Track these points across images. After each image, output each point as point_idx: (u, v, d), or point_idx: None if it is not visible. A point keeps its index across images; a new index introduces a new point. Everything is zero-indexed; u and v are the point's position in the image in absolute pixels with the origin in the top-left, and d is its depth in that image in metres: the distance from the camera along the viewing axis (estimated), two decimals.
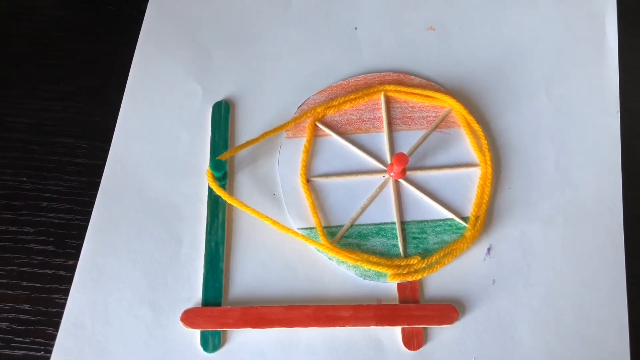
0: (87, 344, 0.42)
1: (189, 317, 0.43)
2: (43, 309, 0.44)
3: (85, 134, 0.51)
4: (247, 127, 0.50)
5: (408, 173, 0.47)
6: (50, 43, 0.55)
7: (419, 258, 0.44)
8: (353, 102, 0.50)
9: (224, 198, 0.45)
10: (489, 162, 0.47)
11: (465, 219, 0.46)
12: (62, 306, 0.44)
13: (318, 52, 0.53)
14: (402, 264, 0.44)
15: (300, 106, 0.50)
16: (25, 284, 0.45)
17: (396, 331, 0.43)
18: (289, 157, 0.48)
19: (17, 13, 0.56)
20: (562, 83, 0.51)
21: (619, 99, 0.50)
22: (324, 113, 0.50)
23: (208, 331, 0.43)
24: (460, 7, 0.55)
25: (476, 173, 0.48)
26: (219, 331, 0.43)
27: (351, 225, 0.46)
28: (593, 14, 0.54)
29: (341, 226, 0.46)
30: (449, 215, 0.46)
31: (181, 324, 0.43)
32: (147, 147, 0.49)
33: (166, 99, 0.51)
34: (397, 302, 0.44)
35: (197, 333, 0.43)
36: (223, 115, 0.50)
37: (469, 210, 0.46)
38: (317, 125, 0.50)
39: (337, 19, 0.55)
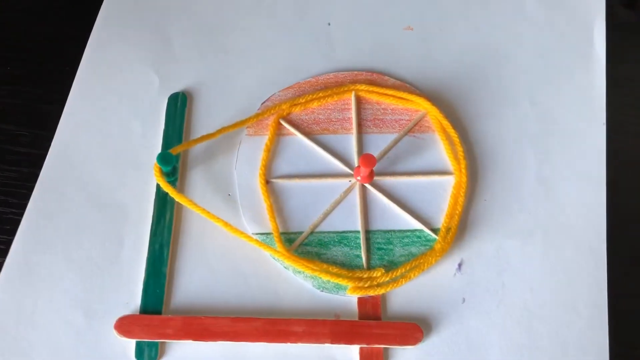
0: (8, 348, 0.38)
1: (124, 325, 0.39)
2: None
3: (29, 121, 0.47)
4: (205, 121, 0.46)
5: (376, 178, 0.44)
6: None
7: (383, 271, 0.40)
8: (321, 100, 0.47)
9: (171, 195, 0.41)
10: (463, 171, 0.44)
11: (435, 230, 0.42)
12: None
13: (287, 47, 0.50)
14: (364, 276, 0.40)
15: (264, 102, 0.47)
16: None
17: (354, 350, 0.39)
18: (248, 155, 0.45)
19: None
20: (547, 91, 0.48)
21: (605, 111, 0.47)
22: (290, 111, 0.46)
23: (144, 342, 0.38)
24: (440, 6, 0.53)
25: (450, 182, 0.44)
26: (157, 342, 0.38)
27: (311, 232, 0.42)
28: (581, 22, 0.52)
29: (300, 233, 0.42)
30: (418, 225, 0.42)
31: (115, 332, 0.38)
32: (95, 138, 0.46)
33: (120, 87, 0.48)
34: (356, 319, 0.40)
35: (132, 343, 0.39)
36: (179, 107, 0.46)
37: (440, 221, 0.43)
38: (281, 123, 0.46)
39: (310, 13, 0.52)
